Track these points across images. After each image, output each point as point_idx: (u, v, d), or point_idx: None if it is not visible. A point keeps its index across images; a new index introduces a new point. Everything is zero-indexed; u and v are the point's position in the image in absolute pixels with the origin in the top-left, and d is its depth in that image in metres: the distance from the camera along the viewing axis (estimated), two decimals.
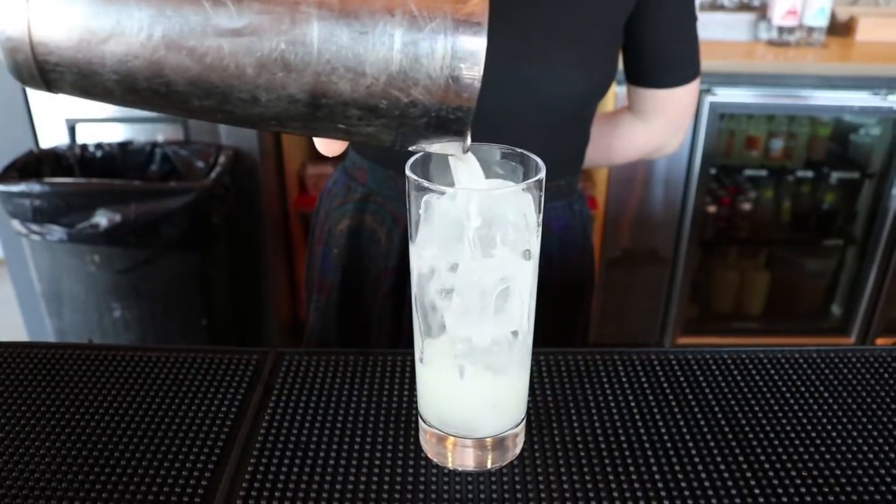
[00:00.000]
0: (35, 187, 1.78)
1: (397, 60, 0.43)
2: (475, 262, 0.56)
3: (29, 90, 2.04)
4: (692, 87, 1.05)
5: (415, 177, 0.56)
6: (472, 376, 0.60)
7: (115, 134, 2.12)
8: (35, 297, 2.09)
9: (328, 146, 0.52)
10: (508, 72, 0.90)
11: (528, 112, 0.94)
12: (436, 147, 0.50)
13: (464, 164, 0.55)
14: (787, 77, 2.16)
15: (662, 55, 1.01)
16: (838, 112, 2.36)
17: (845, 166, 2.52)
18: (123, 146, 2.06)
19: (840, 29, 2.49)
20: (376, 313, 1.08)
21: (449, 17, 0.43)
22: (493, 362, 0.60)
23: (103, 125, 2.12)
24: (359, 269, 1.08)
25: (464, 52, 0.44)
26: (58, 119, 2.10)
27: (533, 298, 0.61)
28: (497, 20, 0.86)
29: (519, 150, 0.59)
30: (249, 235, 2.25)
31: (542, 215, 0.57)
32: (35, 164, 1.95)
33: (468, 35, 0.44)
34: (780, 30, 2.35)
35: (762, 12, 2.41)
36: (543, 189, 0.56)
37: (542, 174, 0.56)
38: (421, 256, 0.58)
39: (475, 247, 0.55)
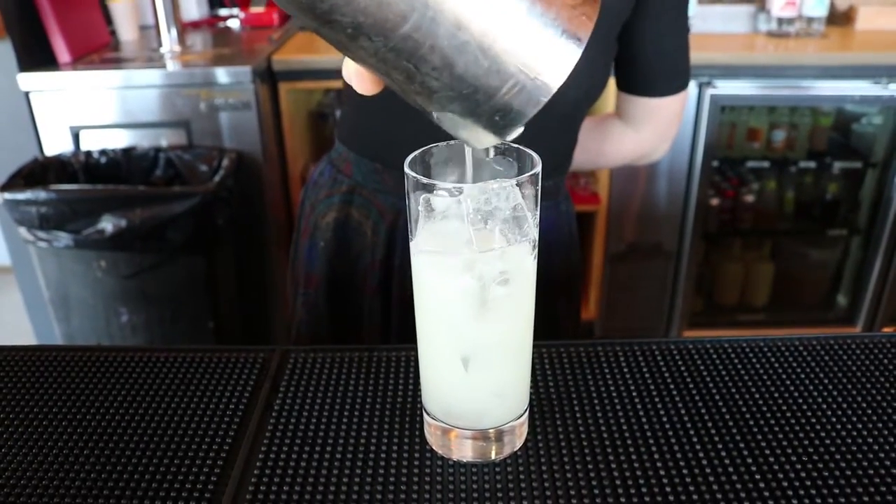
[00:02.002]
0: (41, 194, 1.79)
1: (506, 35, 0.43)
2: (475, 254, 0.57)
3: (32, 98, 2.06)
4: (682, 96, 1.07)
5: (414, 174, 0.56)
6: (476, 368, 0.61)
7: (119, 140, 2.14)
8: (43, 304, 2.11)
9: (365, 84, 0.51)
10: None
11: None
12: (467, 134, 0.50)
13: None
14: (787, 68, 2.16)
15: (655, 65, 1.02)
16: (839, 102, 2.36)
17: (848, 156, 2.52)
18: (127, 152, 2.08)
19: (839, 18, 2.49)
20: (366, 307, 1.09)
21: (563, 20, 0.44)
22: (496, 353, 0.61)
23: (107, 131, 2.13)
24: (346, 262, 1.09)
25: (559, 60, 0.44)
26: (62, 126, 2.12)
27: (533, 288, 0.61)
28: None
29: (514, 146, 0.60)
30: (254, 238, 2.26)
31: (539, 209, 0.58)
32: (40, 171, 1.97)
33: (571, 45, 0.44)
34: (780, 21, 2.35)
35: (761, 4, 2.41)
36: (540, 183, 0.57)
37: (538, 168, 0.57)
38: (421, 251, 0.59)
39: (475, 240, 0.56)
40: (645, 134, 1.11)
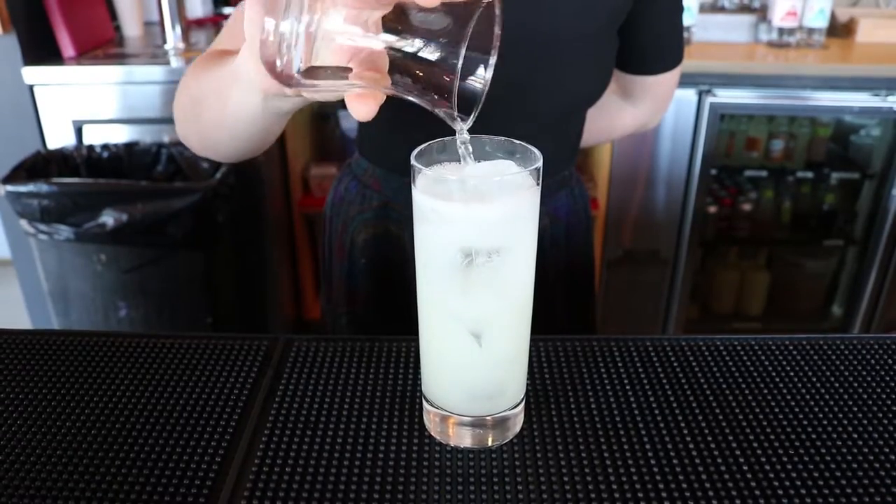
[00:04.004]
0: (42, 187, 1.80)
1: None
2: (479, 228, 0.58)
3: (36, 92, 2.07)
4: (677, 71, 1.11)
5: (419, 165, 0.59)
6: (487, 343, 0.62)
7: (121, 135, 2.15)
8: (42, 297, 2.12)
9: (362, 108, 0.53)
10: (531, 80, 0.93)
11: (544, 114, 0.97)
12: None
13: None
14: (787, 78, 2.17)
15: (653, 47, 1.05)
16: (838, 113, 2.37)
17: (845, 167, 2.54)
18: (129, 147, 2.09)
19: (840, 30, 2.51)
20: (416, 319, 1.07)
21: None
22: (501, 327, 0.63)
23: (109, 126, 2.15)
24: (390, 277, 1.07)
25: None
26: (65, 120, 2.13)
27: (533, 257, 0.63)
28: (522, 33, 0.88)
29: (518, 142, 0.62)
30: (254, 235, 2.27)
31: (540, 187, 0.60)
32: (42, 164, 1.98)
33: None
34: (781, 31, 2.37)
35: (762, 14, 2.43)
36: (541, 176, 0.59)
37: (539, 163, 0.59)
38: (425, 234, 0.61)
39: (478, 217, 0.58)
40: (642, 108, 1.15)
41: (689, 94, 2.17)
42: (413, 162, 0.59)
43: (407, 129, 0.99)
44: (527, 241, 0.61)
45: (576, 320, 1.16)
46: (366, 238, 1.07)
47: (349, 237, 1.09)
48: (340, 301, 1.13)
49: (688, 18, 2.31)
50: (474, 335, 0.62)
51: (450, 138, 0.61)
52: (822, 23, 2.35)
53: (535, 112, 0.95)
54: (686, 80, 2.15)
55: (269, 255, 2.34)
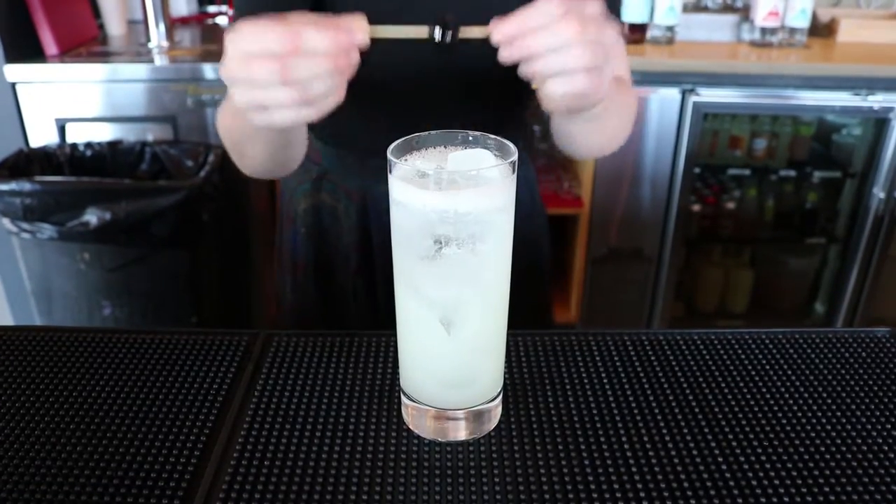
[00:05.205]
0: (25, 186, 1.79)
1: None
2: (451, 217, 0.59)
3: (19, 90, 2.06)
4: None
5: (394, 158, 0.59)
6: (456, 331, 0.63)
7: (105, 133, 2.14)
8: (25, 296, 2.11)
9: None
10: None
11: (469, 73, 0.97)
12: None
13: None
14: (769, 77, 2.19)
15: None
16: (820, 112, 2.39)
17: (827, 166, 2.56)
18: (113, 145, 2.08)
19: (821, 30, 2.53)
20: (351, 287, 1.11)
21: None
22: (470, 316, 0.63)
23: (93, 125, 2.13)
24: (327, 246, 1.12)
25: None
26: (47, 118, 2.12)
27: (507, 245, 0.64)
28: None
29: (493, 137, 0.63)
30: (239, 233, 2.27)
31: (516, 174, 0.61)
32: (25, 162, 1.96)
33: None
34: (763, 31, 2.39)
35: (745, 14, 2.45)
36: (517, 170, 0.60)
37: (515, 157, 0.59)
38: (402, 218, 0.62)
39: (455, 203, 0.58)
40: None
41: (673, 93, 2.18)
42: (389, 155, 0.59)
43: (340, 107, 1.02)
44: (499, 232, 0.62)
45: (529, 310, 1.15)
46: (305, 208, 1.11)
47: (293, 206, 1.14)
48: (286, 268, 1.18)
49: (671, 18, 2.33)
50: (444, 322, 0.62)
51: (426, 133, 0.62)
52: (803, 23, 2.36)
53: (455, 72, 0.96)
54: (670, 80, 2.16)
55: (254, 253, 2.33)
